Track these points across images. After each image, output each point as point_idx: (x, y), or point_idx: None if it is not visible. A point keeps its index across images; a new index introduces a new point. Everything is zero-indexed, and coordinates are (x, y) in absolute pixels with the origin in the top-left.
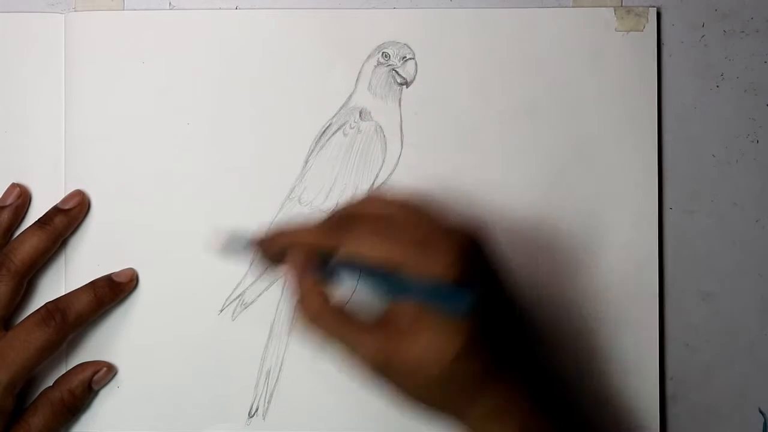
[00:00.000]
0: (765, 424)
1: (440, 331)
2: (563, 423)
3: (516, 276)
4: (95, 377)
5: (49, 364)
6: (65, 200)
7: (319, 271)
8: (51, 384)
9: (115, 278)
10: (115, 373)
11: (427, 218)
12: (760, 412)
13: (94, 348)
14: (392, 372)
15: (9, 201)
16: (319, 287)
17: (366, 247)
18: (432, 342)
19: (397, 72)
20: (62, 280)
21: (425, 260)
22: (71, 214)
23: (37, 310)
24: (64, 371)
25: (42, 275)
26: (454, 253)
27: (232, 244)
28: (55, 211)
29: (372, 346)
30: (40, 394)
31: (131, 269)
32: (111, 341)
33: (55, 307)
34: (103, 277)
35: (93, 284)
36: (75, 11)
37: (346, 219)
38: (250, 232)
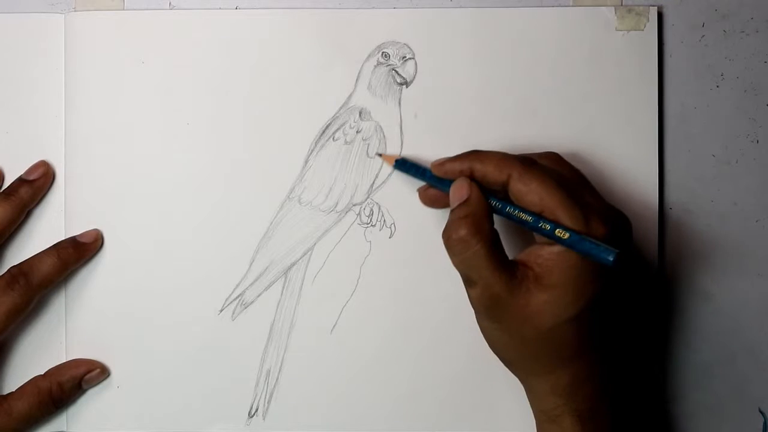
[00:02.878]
0: (765, 424)
1: (570, 287)
2: (620, 415)
3: None
4: (87, 376)
5: (46, 353)
6: (29, 171)
7: (480, 200)
8: (43, 373)
9: (79, 239)
10: (107, 376)
11: (596, 192)
12: (760, 412)
13: (94, 347)
14: (502, 317)
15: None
16: (476, 215)
17: (539, 188)
18: (556, 297)
19: (396, 72)
20: (62, 287)
21: (587, 219)
22: (36, 185)
23: (1, 275)
24: (60, 363)
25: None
26: (615, 224)
27: (406, 165)
28: (20, 182)
29: (497, 286)
30: (30, 380)
31: (96, 230)
32: (111, 341)
33: (18, 270)
34: (67, 238)
35: (57, 246)
36: (75, 11)
37: (526, 159)
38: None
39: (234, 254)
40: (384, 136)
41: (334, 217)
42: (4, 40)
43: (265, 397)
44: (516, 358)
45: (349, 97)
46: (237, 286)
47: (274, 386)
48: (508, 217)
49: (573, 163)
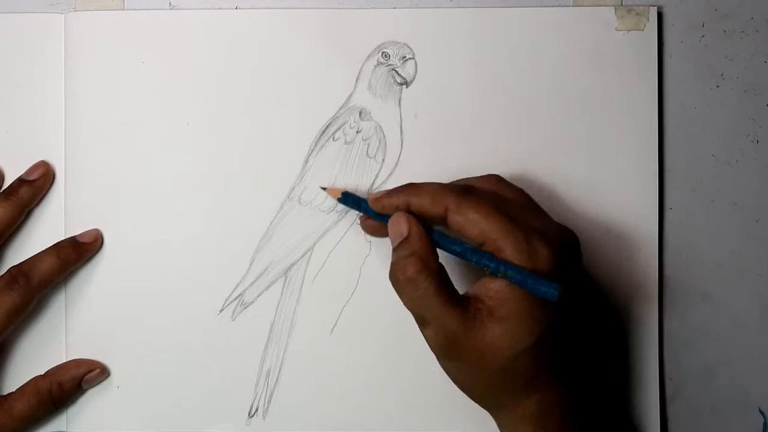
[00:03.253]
0: (765, 424)
1: (523, 318)
2: None
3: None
4: (87, 376)
5: (46, 353)
6: (30, 171)
7: (422, 237)
8: (43, 373)
9: (79, 239)
10: (107, 376)
11: (540, 210)
12: (760, 412)
13: (94, 347)
14: (459, 354)
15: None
16: (419, 252)
17: (478, 218)
18: (511, 328)
19: (396, 72)
20: (63, 287)
21: (530, 245)
22: (36, 185)
23: (1, 275)
24: (60, 364)
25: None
26: (561, 246)
27: (348, 199)
28: (20, 182)
29: (449, 324)
30: (30, 380)
31: (96, 230)
32: (111, 341)
33: (18, 270)
34: (66, 238)
35: (57, 246)
36: (75, 11)
37: (463, 188)
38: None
39: (234, 254)
40: (384, 136)
41: (334, 217)
42: (4, 40)
43: (265, 397)
44: (481, 392)
45: (349, 97)
46: (237, 286)
47: (274, 386)
48: (450, 251)
49: (573, 162)
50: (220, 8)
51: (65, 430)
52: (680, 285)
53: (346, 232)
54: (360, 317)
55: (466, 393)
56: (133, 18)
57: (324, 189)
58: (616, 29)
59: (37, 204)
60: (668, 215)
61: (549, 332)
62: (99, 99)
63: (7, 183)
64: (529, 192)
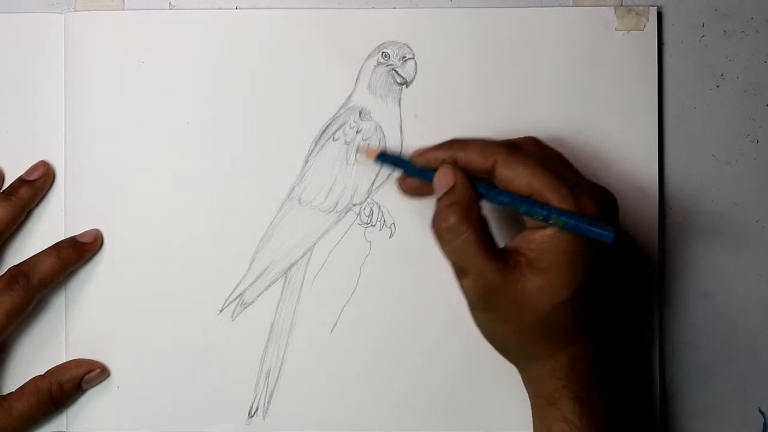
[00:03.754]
0: (765, 424)
1: (563, 269)
2: (615, 394)
3: None
4: (87, 376)
5: (46, 353)
6: (30, 171)
7: (468, 188)
8: (43, 373)
9: (79, 239)
10: (108, 376)
11: (578, 171)
12: (760, 412)
13: (94, 347)
14: (496, 305)
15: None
16: (463, 202)
17: (526, 171)
18: (550, 280)
19: (396, 72)
20: (63, 288)
21: (577, 198)
22: (36, 185)
23: (1, 275)
24: (60, 363)
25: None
26: (603, 201)
27: (386, 158)
28: (20, 182)
29: (488, 274)
30: (30, 380)
31: (96, 230)
32: (111, 341)
33: (18, 270)
34: (66, 238)
35: (57, 246)
36: (75, 11)
37: (510, 144)
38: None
39: (234, 254)
40: (384, 136)
41: (334, 217)
42: (4, 40)
43: (265, 397)
44: (513, 345)
45: (349, 97)
46: (237, 286)
47: (274, 386)
48: (498, 203)
49: (573, 162)
50: (220, 8)
51: (65, 430)
52: (680, 285)
53: (346, 232)
54: (360, 317)
55: (496, 345)
56: (133, 18)
57: (359, 151)
58: (616, 29)
59: (38, 204)
60: (668, 215)
61: (588, 286)
62: (99, 99)
63: (7, 183)
64: None
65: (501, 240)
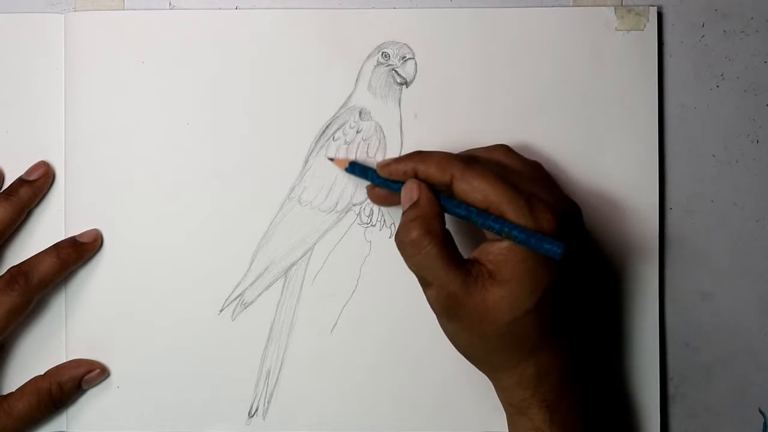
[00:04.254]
0: (765, 424)
1: (523, 280)
2: (586, 401)
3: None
4: (87, 377)
5: (47, 353)
6: (30, 171)
7: (431, 202)
8: (43, 373)
9: (79, 239)
10: (107, 376)
11: (546, 177)
12: (760, 412)
13: (94, 347)
14: (459, 315)
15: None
16: (426, 216)
17: (481, 185)
18: (511, 291)
19: (396, 72)
20: (62, 288)
21: (532, 211)
22: (36, 185)
23: (1, 275)
24: (60, 364)
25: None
26: (562, 213)
27: (355, 168)
28: (20, 182)
29: (451, 286)
30: (30, 380)
31: (95, 230)
32: (111, 341)
33: (18, 270)
34: (66, 238)
35: (56, 246)
36: (75, 11)
37: (468, 158)
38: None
39: (234, 254)
40: (384, 136)
41: (334, 217)
42: (4, 40)
43: (265, 397)
44: (479, 354)
45: (349, 97)
46: (237, 286)
47: (274, 386)
48: (456, 215)
49: (572, 163)
50: (220, 8)
51: (65, 430)
52: (680, 285)
53: (346, 232)
54: (360, 317)
55: (465, 355)
56: (133, 18)
57: (331, 160)
58: (616, 29)
59: (37, 204)
60: (668, 215)
61: (549, 295)
62: (99, 99)
63: (7, 183)
64: None
65: (465, 251)
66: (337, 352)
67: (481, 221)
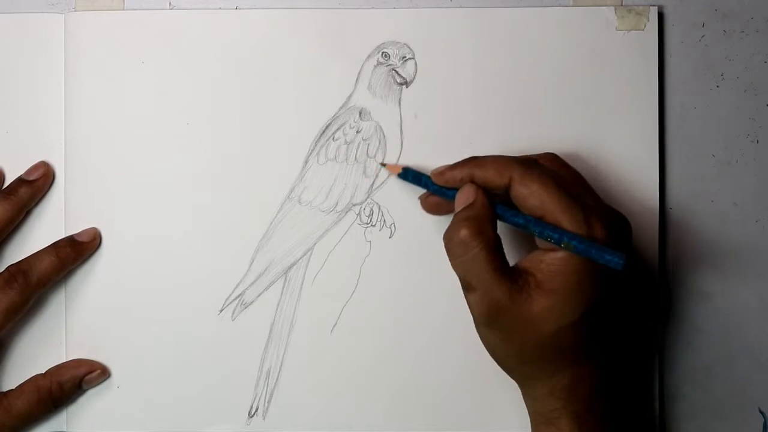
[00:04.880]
0: (765, 424)
1: (572, 292)
2: (615, 415)
3: None
4: (87, 377)
5: (47, 352)
6: (29, 171)
7: (485, 205)
8: (44, 371)
9: (77, 238)
10: (108, 377)
11: (594, 192)
12: (760, 412)
13: (94, 347)
14: (502, 323)
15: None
16: (478, 217)
17: (540, 190)
18: (558, 302)
19: (396, 72)
20: (63, 287)
21: (588, 222)
22: (36, 185)
23: (0, 274)
24: (61, 363)
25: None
26: (615, 226)
27: (408, 174)
28: (20, 182)
29: (496, 292)
30: (30, 379)
31: (94, 228)
32: (111, 341)
33: (17, 269)
34: (65, 237)
35: (55, 245)
36: (75, 11)
37: (526, 161)
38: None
39: (234, 254)
40: (384, 136)
41: (334, 217)
42: (4, 40)
43: (265, 397)
44: (516, 364)
45: (349, 97)
46: (237, 286)
47: (274, 386)
48: (513, 223)
49: (572, 163)
50: (220, 8)
51: (65, 430)
52: (680, 285)
53: (346, 232)
54: (360, 317)
55: (498, 362)
56: (133, 18)
57: (383, 165)
58: (617, 29)
59: (37, 204)
60: (668, 215)
61: (594, 309)
62: (99, 99)
63: (7, 183)
64: None
65: (513, 259)
66: (337, 352)
67: (539, 230)
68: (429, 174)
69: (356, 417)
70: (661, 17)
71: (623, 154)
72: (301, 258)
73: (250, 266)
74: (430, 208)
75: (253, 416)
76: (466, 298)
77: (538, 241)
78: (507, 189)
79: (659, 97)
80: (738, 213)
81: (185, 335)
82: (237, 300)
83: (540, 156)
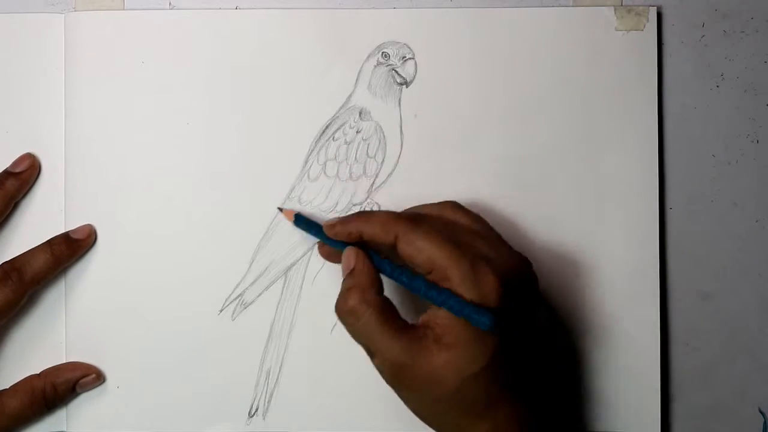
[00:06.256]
0: (765, 424)
1: (469, 345)
2: None
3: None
4: (82, 380)
5: (46, 352)
6: (15, 163)
7: (367, 270)
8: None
9: (72, 235)
10: (103, 381)
11: (495, 238)
12: (760, 412)
13: (94, 347)
14: (406, 382)
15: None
16: (361, 285)
17: (426, 246)
18: (457, 355)
19: (396, 72)
20: (62, 287)
21: (476, 272)
22: (22, 177)
23: None
24: (57, 365)
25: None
26: (509, 273)
27: (301, 222)
28: (6, 174)
29: (393, 353)
30: (25, 379)
31: (89, 225)
32: (111, 341)
33: (11, 266)
34: (60, 234)
35: (50, 242)
36: (75, 11)
37: (413, 217)
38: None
39: (234, 254)
40: (384, 136)
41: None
42: (4, 40)
43: (265, 397)
44: (432, 418)
45: (349, 97)
46: (237, 286)
47: (274, 386)
48: (401, 283)
49: (573, 162)
50: (220, 8)
51: (65, 430)
52: (680, 285)
53: None
54: None
55: (420, 418)
56: (133, 18)
57: (281, 210)
58: (616, 29)
59: (24, 196)
60: (668, 215)
61: (498, 359)
62: (99, 99)
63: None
64: (530, 192)
65: (420, 310)
66: (337, 352)
67: (422, 291)
68: (321, 224)
69: (356, 417)
70: (660, 17)
71: (623, 154)
72: (301, 258)
73: (250, 266)
74: (327, 256)
75: (253, 416)
76: (373, 364)
77: None
78: (394, 246)
79: (659, 97)
80: (738, 213)
81: (185, 335)
82: (237, 300)
83: (438, 205)
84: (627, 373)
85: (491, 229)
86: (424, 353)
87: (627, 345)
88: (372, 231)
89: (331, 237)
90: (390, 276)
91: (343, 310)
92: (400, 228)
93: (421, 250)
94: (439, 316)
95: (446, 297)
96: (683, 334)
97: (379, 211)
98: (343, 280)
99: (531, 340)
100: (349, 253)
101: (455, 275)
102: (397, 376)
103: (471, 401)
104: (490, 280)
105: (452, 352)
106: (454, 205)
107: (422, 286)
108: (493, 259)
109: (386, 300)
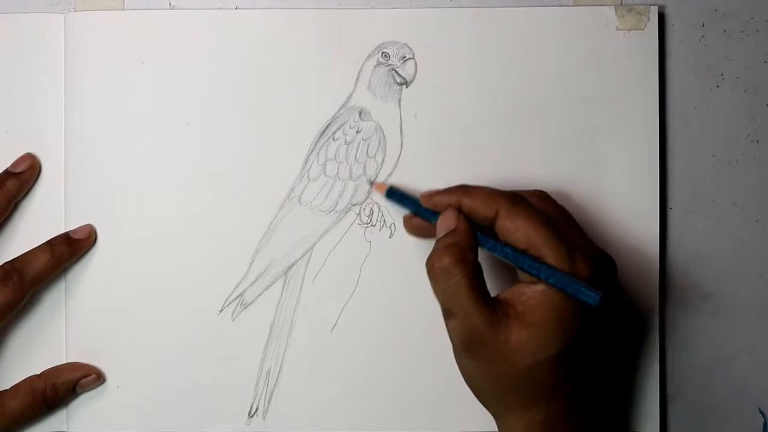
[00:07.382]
0: (765, 424)
1: (551, 326)
2: None
3: None
4: (82, 381)
5: (46, 352)
6: (16, 163)
7: (467, 232)
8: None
9: (73, 235)
10: (103, 382)
11: (582, 231)
12: (760, 412)
13: (94, 348)
14: (479, 352)
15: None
16: (460, 245)
17: (526, 225)
18: (537, 335)
19: (396, 72)
20: (62, 287)
21: (572, 258)
22: (23, 177)
23: None
24: (57, 365)
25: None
26: (599, 264)
27: (394, 195)
28: (6, 174)
29: (475, 321)
30: (25, 379)
31: (89, 225)
32: (111, 341)
33: (12, 267)
34: (60, 234)
35: (50, 242)
36: (75, 11)
37: (514, 195)
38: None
39: (234, 254)
40: (384, 136)
41: (334, 217)
42: (4, 40)
43: (265, 397)
44: (491, 394)
45: (349, 97)
46: (237, 286)
47: (274, 386)
48: (495, 252)
49: (573, 162)
50: (220, 8)
51: (65, 429)
52: (680, 285)
53: (346, 232)
54: (360, 317)
55: (475, 393)
56: (133, 18)
57: (371, 184)
58: (617, 29)
59: (24, 196)
60: (668, 215)
61: (573, 345)
62: (99, 99)
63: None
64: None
65: (494, 290)
66: (337, 352)
67: (520, 262)
68: (416, 196)
69: (356, 417)
70: (661, 17)
71: (623, 153)
72: (301, 258)
73: (250, 266)
74: (414, 230)
75: (253, 416)
76: (446, 324)
77: (520, 274)
78: (492, 221)
79: (659, 97)
80: (738, 213)
81: (185, 335)
82: (237, 300)
83: (529, 192)
84: (627, 373)
85: (576, 223)
86: (503, 328)
87: (627, 345)
88: (473, 204)
89: (428, 207)
90: (491, 249)
91: (435, 267)
92: (503, 204)
93: (521, 228)
94: (525, 294)
95: (553, 271)
96: (683, 334)
97: (480, 186)
98: (439, 238)
99: (600, 334)
100: (450, 215)
101: (551, 256)
102: (471, 343)
103: (537, 383)
104: (584, 268)
105: (533, 331)
106: (542, 195)
107: (525, 258)
108: (584, 249)
109: (479, 266)
